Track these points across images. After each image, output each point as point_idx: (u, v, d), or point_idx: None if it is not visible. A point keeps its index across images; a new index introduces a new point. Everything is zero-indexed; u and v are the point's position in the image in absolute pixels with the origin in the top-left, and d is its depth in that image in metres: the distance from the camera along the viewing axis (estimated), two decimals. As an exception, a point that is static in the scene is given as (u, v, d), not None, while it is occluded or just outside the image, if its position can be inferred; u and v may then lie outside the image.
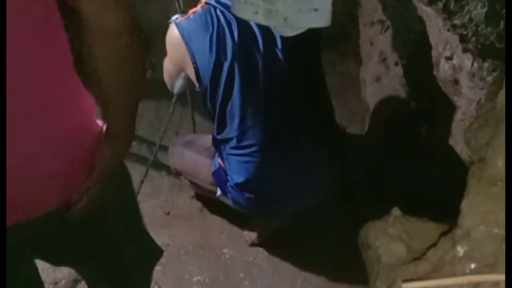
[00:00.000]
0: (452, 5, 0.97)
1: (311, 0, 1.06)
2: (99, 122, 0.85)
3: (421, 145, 1.64)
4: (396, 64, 1.82)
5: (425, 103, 1.64)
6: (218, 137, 1.53)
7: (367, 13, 2.08)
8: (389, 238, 0.90)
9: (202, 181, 1.76)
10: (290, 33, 1.19)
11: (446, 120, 1.38)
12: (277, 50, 1.40)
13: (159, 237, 1.14)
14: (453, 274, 0.73)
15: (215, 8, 1.39)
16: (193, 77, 1.45)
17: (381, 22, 1.92)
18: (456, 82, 1.27)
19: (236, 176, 1.54)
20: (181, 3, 1.70)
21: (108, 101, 0.78)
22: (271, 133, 1.47)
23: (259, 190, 1.55)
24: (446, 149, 1.40)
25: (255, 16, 1.11)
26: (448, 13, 0.99)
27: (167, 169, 2.06)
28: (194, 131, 2.11)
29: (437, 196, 1.33)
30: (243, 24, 1.36)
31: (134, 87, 0.78)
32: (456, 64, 1.24)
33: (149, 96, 2.24)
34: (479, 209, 0.77)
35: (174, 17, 1.47)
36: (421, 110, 1.70)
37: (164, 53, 1.51)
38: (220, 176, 1.62)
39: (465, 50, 1.09)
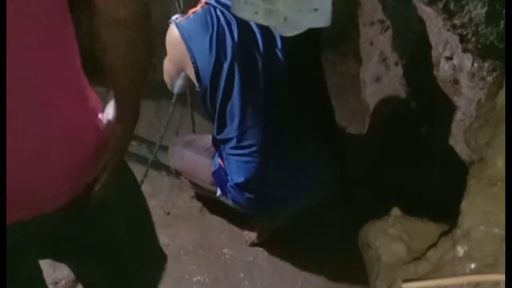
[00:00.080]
0: (452, 5, 0.97)
1: (311, 0, 1.06)
2: (103, 119, 0.88)
3: (421, 145, 1.64)
4: (396, 64, 1.82)
5: (425, 103, 1.65)
6: (218, 137, 1.53)
7: (367, 13, 2.08)
8: (389, 238, 0.90)
9: (202, 181, 1.76)
10: (290, 33, 1.19)
11: (446, 120, 1.38)
12: (277, 50, 1.40)
13: (159, 237, 1.13)
14: (453, 274, 0.73)
15: (215, 8, 1.39)
16: (193, 77, 1.45)
17: (381, 22, 1.92)
18: (456, 82, 1.27)
19: (236, 176, 1.54)
20: (181, 3, 1.70)
21: (118, 84, 0.83)
22: (271, 133, 1.47)
23: (259, 190, 1.54)
24: (446, 149, 1.40)
25: (255, 16, 1.11)
26: (448, 13, 0.99)
27: (167, 169, 2.06)
28: (194, 131, 2.11)
29: (437, 196, 1.33)
30: (243, 24, 1.36)
31: (142, 70, 0.84)
32: (456, 64, 1.24)
33: (149, 96, 2.23)
34: (479, 209, 0.77)
35: (174, 17, 1.47)
36: (421, 110, 1.70)
37: (164, 53, 1.51)
38: (220, 176, 1.62)
39: (465, 50, 1.09)
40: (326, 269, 1.72)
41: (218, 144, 1.57)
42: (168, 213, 1.98)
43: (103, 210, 0.90)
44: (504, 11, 0.90)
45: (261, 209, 1.65)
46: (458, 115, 1.31)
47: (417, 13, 1.48)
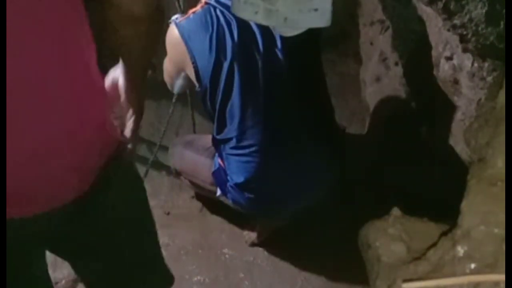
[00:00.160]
0: (452, 5, 0.97)
1: (311, 0, 1.06)
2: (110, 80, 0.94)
3: (421, 145, 1.64)
4: (396, 64, 1.82)
5: (425, 103, 1.65)
6: (218, 137, 1.53)
7: (367, 13, 2.08)
8: (389, 238, 0.90)
9: (202, 181, 1.76)
10: (290, 33, 1.19)
11: (446, 120, 1.38)
12: (277, 50, 1.40)
13: (159, 237, 1.13)
14: (453, 274, 0.73)
15: (215, 8, 1.39)
16: (193, 77, 1.45)
17: (381, 22, 1.92)
18: (456, 82, 1.27)
19: (236, 176, 1.54)
20: (181, 3, 1.70)
21: (133, 64, 0.92)
22: (271, 133, 1.47)
23: (259, 190, 1.54)
24: (446, 149, 1.40)
25: (255, 16, 1.11)
26: (448, 13, 0.99)
27: (167, 169, 2.06)
28: (194, 131, 2.11)
29: (437, 196, 1.33)
30: (243, 24, 1.36)
31: (152, 51, 0.93)
32: (456, 64, 1.24)
33: (149, 96, 2.20)
34: (479, 209, 0.77)
35: (174, 17, 1.47)
36: (421, 110, 1.70)
37: (164, 53, 1.51)
38: (220, 176, 1.62)
39: (465, 50, 1.09)
40: (326, 269, 1.72)
41: (218, 144, 1.57)
42: (168, 213, 1.98)
43: (104, 210, 0.90)
44: (504, 11, 0.90)
45: (261, 209, 1.65)
46: (458, 115, 1.31)
47: (417, 13, 1.48)
